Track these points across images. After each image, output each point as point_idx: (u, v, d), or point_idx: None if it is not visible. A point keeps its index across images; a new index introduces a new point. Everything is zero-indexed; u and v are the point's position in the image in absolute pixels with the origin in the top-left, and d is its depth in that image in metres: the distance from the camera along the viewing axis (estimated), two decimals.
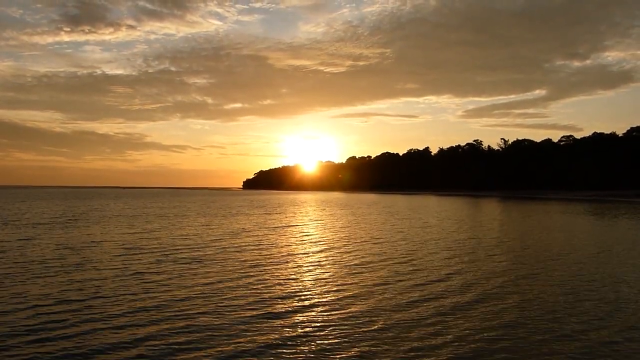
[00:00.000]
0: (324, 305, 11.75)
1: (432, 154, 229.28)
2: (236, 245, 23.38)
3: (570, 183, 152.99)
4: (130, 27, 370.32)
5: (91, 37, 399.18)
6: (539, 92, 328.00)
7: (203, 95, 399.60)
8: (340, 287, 13.77)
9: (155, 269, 16.37)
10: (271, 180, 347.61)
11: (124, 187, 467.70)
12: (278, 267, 17.23)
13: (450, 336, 9.42)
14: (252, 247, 22.54)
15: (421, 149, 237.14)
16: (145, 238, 25.78)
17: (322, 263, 18.19)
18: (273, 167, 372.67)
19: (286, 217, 45.95)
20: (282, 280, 14.73)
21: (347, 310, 11.24)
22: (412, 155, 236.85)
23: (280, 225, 36.17)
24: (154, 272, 15.76)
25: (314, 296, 12.73)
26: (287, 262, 18.29)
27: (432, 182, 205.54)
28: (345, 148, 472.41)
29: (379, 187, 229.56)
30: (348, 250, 21.68)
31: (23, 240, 24.32)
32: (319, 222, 39.24)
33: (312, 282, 14.63)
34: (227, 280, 14.59)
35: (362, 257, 19.49)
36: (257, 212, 53.85)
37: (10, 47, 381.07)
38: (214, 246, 22.68)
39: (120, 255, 19.39)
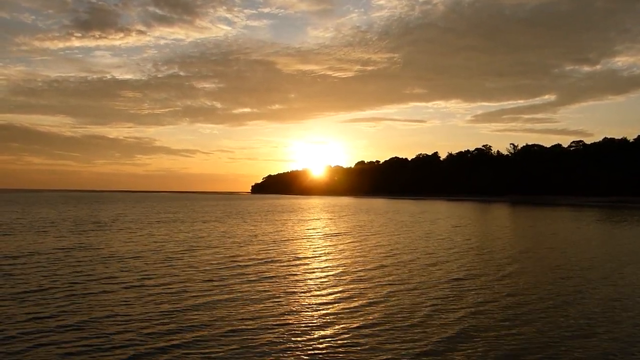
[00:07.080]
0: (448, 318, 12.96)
1: (441, 158, 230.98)
2: (312, 254, 24.62)
3: (580, 188, 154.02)
4: (140, 32, 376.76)
5: (101, 43, 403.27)
6: (548, 97, 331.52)
7: (212, 100, 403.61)
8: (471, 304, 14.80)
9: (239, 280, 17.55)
10: (280, 185, 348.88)
11: (134, 191, 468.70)
12: (368, 279, 18.02)
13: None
14: (326, 256, 23.73)
15: (430, 153, 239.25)
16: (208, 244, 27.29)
17: (434, 276, 18.87)
18: (281, 172, 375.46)
19: (324, 223, 47.26)
20: (381, 294, 15.19)
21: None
22: (421, 160, 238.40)
23: (330, 232, 37.32)
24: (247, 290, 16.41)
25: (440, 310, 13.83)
26: (371, 274, 18.90)
27: (440, 187, 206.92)
28: (354, 153, 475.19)
29: (387, 192, 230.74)
30: (448, 263, 22.23)
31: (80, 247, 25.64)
32: (364, 229, 40.28)
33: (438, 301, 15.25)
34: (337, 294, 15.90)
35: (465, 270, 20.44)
36: (291, 217, 55.01)
37: (22, 52, 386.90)
38: (287, 254, 23.95)
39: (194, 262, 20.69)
